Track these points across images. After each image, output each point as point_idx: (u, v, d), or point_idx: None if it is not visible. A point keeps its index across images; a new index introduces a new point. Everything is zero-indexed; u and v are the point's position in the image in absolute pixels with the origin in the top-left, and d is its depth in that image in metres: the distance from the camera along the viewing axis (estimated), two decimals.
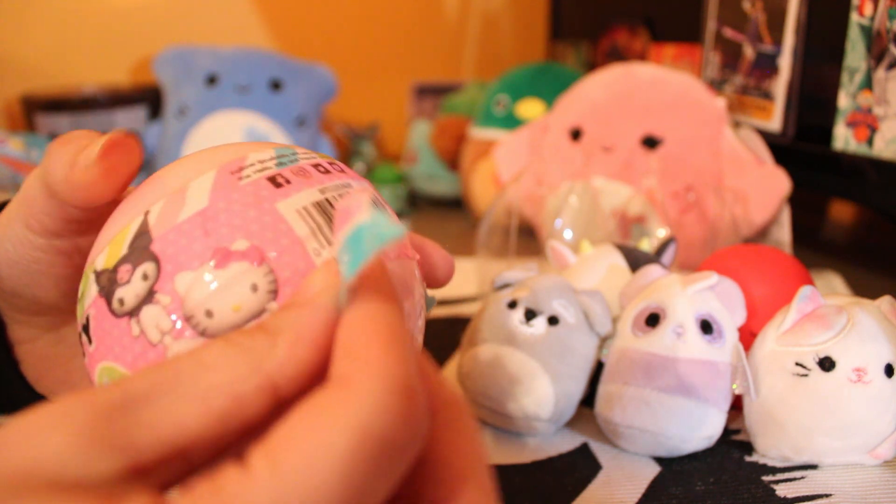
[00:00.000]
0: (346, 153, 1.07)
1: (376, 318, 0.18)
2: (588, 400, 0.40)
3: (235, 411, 0.16)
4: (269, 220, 0.21)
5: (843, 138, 0.56)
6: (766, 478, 0.36)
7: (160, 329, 0.20)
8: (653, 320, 0.38)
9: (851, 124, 0.55)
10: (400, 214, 0.92)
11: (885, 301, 0.37)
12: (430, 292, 0.27)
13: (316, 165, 0.24)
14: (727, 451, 0.38)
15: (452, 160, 0.92)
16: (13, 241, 0.25)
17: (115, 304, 0.21)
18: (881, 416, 0.35)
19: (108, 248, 0.22)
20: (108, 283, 0.21)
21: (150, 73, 0.98)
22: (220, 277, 0.20)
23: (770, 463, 0.37)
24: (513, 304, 0.40)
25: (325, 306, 0.18)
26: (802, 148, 0.62)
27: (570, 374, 0.38)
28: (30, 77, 1.07)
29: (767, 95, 0.66)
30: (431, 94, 1.18)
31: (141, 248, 0.21)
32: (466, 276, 0.65)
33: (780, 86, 0.64)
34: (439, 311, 0.57)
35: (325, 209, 0.22)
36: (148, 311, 0.20)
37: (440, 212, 0.94)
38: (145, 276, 0.21)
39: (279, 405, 0.17)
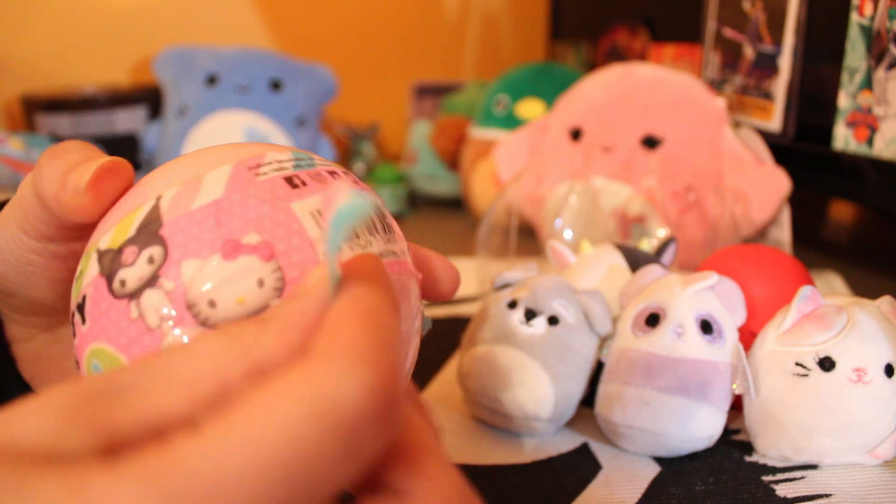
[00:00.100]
0: (346, 153, 1.07)
1: (360, 302, 0.18)
2: (588, 400, 0.40)
3: (222, 398, 0.16)
4: (283, 219, 0.21)
5: (843, 138, 0.56)
6: (766, 478, 0.36)
7: (160, 314, 0.20)
8: (653, 320, 0.38)
9: (851, 124, 0.55)
10: (400, 214, 0.92)
11: (885, 301, 0.37)
12: (428, 311, 0.27)
13: (331, 172, 0.24)
14: (727, 451, 0.38)
15: (452, 160, 0.92)
16: (8, 242, 0.25)
17: (116, 285, 0.21)
18: (881, 416, 0.35)
19: (114, 228, 0.22)
20: (111, 263, 0.21)
21: (150, 73, 0.98)
22: (227, 269, 0.20)
23: (770, 463, 0.37)
24: (513, 304, 0.40)
25: (317, 296, 0.18)
26: (802, 148, 0.62)
27: (570, 374, 0.38)
28: (30, 77, 1.07)
29: (767, 95, 0.66)
30: (431, 94, 1.18)
31: (150, 231, 0.21)
32: (466, 276, 0.65)
33: (780, 86, 0.64)
34: (439, 311, 0.57)
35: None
36: (149, 295, 0.20)
37: (440, 212, 0.94)
38: (151, 260, 0.20)
39: None
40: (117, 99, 0.99)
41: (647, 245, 0.48)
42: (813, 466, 0.36)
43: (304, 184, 0.22)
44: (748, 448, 0.38)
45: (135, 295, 0.20)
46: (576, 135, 0.68)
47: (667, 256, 0.47)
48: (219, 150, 0.23)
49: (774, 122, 0.65)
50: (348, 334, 0.16)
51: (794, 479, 0.36)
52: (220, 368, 0.17)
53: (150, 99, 1.01)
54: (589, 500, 0.34)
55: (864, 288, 0.58)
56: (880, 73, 0.52)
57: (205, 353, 0.17)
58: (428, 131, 0.95)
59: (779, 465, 0.37)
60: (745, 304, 0.38)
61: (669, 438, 0.36)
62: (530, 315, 0.39)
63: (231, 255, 0.20)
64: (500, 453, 0.38)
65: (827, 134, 0.58)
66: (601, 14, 1.02)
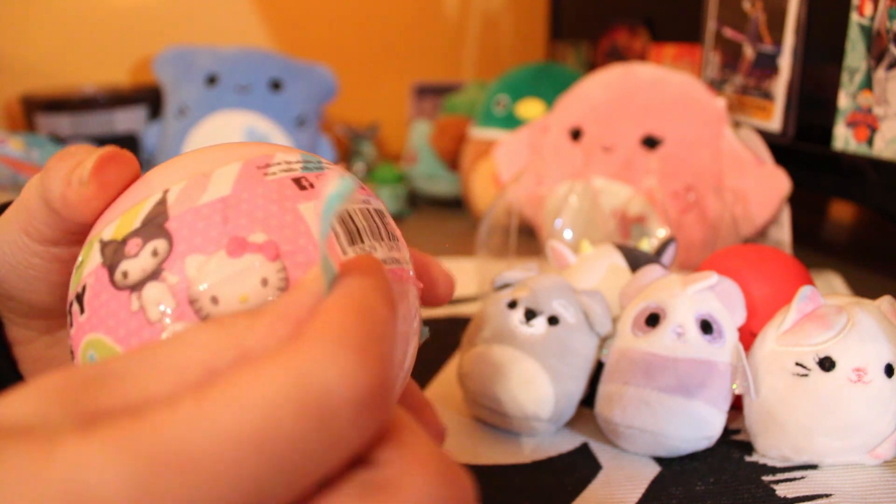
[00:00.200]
0: (346, 153, 1.07)
1: (353, 294, 0.17)
2: (588, 400, 0.40)
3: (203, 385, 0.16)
4: (290, 219, 0.21)
5: (843, 138, 0.56)
6: (766, 478, 0.36)
7: (161, 308, 0.20)
8: (653, 320, 0.38)
9: (851, 124, 0.55)
10: (400, 214, 0.92)
11: (885, 301, 0.37)
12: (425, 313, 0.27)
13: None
14: (727, 451, 0.38)
15: (452, 160, 0.92)
16: (10, 246, 0.24)
17: (118, 276, 0.20)
18: (881, 416, 0.35)
19: (119, 219, 0.21)
20: (114, 254, 0.21)
21: (150, 73, 0.98)
22: (232, 266, 0.20)
23: (770, 463, 0.37)
24: (513, 304, 0.40)
25: (310, 289, 0.18)
26: (802, 148, 0.62)
27: (570, 374, 0.38)
28: (30, 77, 1.07)
29: (767, 95, 0.66)
30: (431, 94, 1.18)
31: (155, 224, 0.21)
32: (466, 276, 0.65)
33: (780, 86, 0.64)
34: (439, 311, 0.57)
35: (345, 220, 0.22)
36: (152, 288, 0.20)
37: (440, 212, 0.94)
38: (155, 253, 0.20)
39: None
40: (117, 99, 0.99)
41: (647, 245, 0.48)
42: (813, 466, 0.36)
43: (311, 186, 0.22)
44: (748, 448, 0.38)
45: (137, 287, 0.20)
46: (576, 135, 0.68)
47: (667, 256, 0.47)
48: (227, 147, 0.23)
49: (774, 122, 0.65)
50: (337, 322, 0.16)
51: (794, 479, 0.36)
52: (209, 356, 0.17)
53: (150, 99, 1.01)
54: (589, 500, 0.34)
55: (864, 288, 0.58)
56: (880, 73, 0.52)
57: (194, 342, 0.17)
58: (428, 131, 0.95)
59: (779, 465, 0.37)
60: (745, 304, 0.38)
61: (669, 438, 0.36)
62: (530, 315, 0.39)
63: (236, 253, 0.20)
64: (500, 453, 0.38)
65: (827, 134, 0.58)
66: (601, 14, 1.02)
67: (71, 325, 0.22)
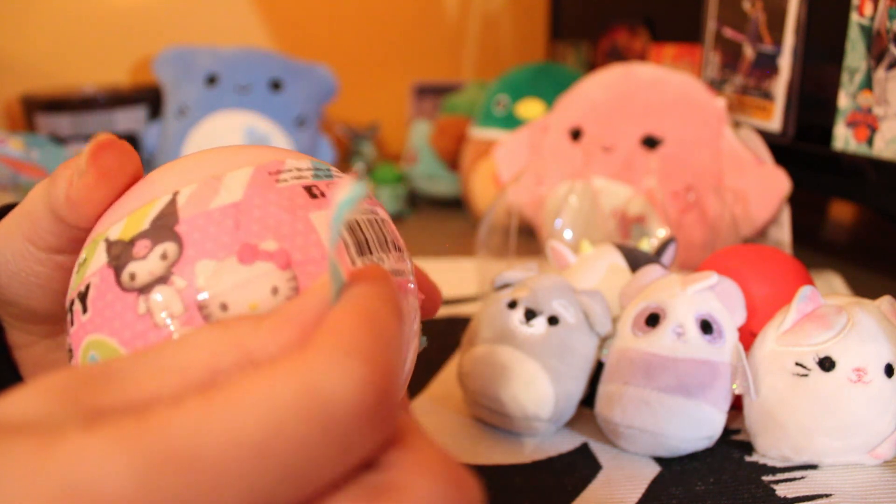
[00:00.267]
0: (346, 153, 1.07)
1: (362, 303, 0.17)
2: (588, 400, 0.40)
3: (211, 385, 0.16)
4: (302, 228, 0.21)
5: (843, 138, 0.56)
6: (766, 478, 0.36)
7: (170, 312, 0.20)
8: (653, 320, 0.38)
9: (851, 124, 0.55)
10: (400, 214, 0.92)
11: (885, 301, 0.37)
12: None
13: None
14: (727, 451, 0.38)
15: (452, 160, 0.92)
16: (13, 254, 0.24)
17: (125, 278, 0.20)
18: (881, 416, 0.35)
19: (126, 219, 0.21)
20: (121, 254, 0.21)
21: (150, 73, 0.98)
22: (243, 273, 0.20)
23: (770, 463, 0.37)
24: (513, 304, 0.40)
25: (317, 295, 0.18)
26: (802, 148, 0.62)
27: (570, 374, 0.38)
28: (30, 77, 1.07)
29: (767, 95, 0.66)
30: (431, 94, 1.18)
31: (165, 226, 0.20)
32: (466, 276, 0.65)
33: (780, 86, 0.64)
34: (439, 311, 0.57)
35: (355, 230, 0.22)
36: (160, 292, 0.20)
37: (440, 212, 0.94)
38: (164, 256, 0.20)
39: None
40: (117, 99, 0.99)
41: (647, 245, 0.48)
42: (813, 466, 0.36)
43: (322, 195, 0.22)
44: (748, 448, 0.38)
45: (144, 290, 0.20)
46: (576, 135, 0.68)
47: (667, 256, 0.47)
48: (237, 150, 0.23)
49: (774, 122, 0.65)
50: (346, 330, 0.16)
51: (794, 479, 0.36)
52: (212, 357, 0.17)
53: (150, 99, 1.01)
54: (589, 500, 0.34)
55: (864, 288, 0.58)
56: (880, 73, 0.52)
57: (197, 343, 0.17)
58: (428, 131, 0.95)
59: (779, 465, 0.37)
60: (745, 304, 0.38)
61: (669, 438, 0.36)
62: (530, 315, 0.39)
63: (248, 260, 0.20)
64: (500, 453, 0.38)
65: (827, 134, 0.58)
66: (601, 14, 1.02)
67: (72, 323, 0.22)
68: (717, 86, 0.73)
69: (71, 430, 0.14)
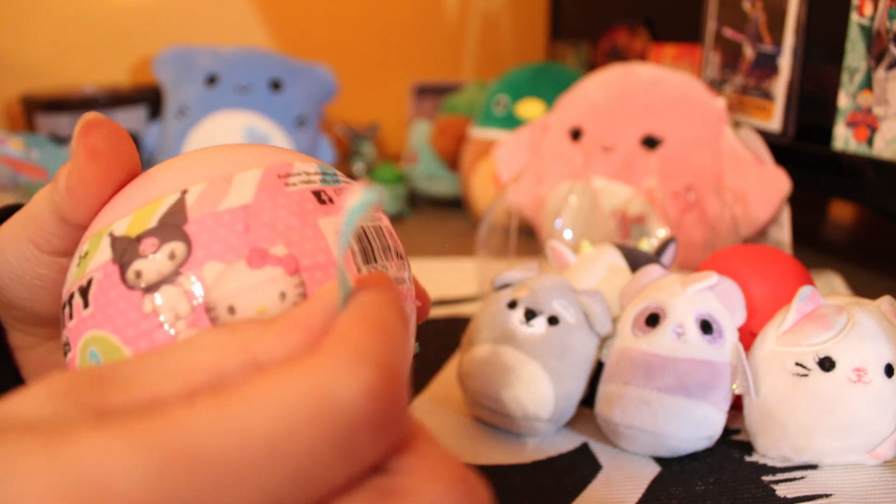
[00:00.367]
0: (346, 153, 1.07)
1: (370, 309, 0.18)
2: (588, 400, 0.40)
3: (218, 387, 0.16)
4: (311, 234, 0.21)
5: (843, 138, 0.56)
6: (766, 478, 0.36)
7: (176, 312, 0.20)
8: (653, 320, 0.38)
9: (851, 124, 0.55)
10: (400, 214, 0.92)
11: (885, 301, 0.37)
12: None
13: None
14: (727, 451, 0.38)
15: (452, 160, 0.92)
16: (17, 257, 0.24)
17: (130, 275, 0.20)
18: (881, 416, 0.35)
19: (132, 215, 0.21)
20: (126, 251, 0.20)
21: (150, 73, 0.98)
22: (252, 277, 0.20)
23: (770, 463, 0.37)
24: (513, 304, 0.40)
25: (324, 301, 0.18)
26: (802, 148, 0.62)
27: (570, 374, 0.38)
28: (30, 77, 1.07)
29: (767, 95, 0.66)
30: (431, 94, 1.18)
31: (173, 225, 0.20)
32: (466, 276, 0.65)
33: (780, 86, 0.64)
34: (439, 312, 0.57)
35: (361, 238, 0.22)
36: (167, 292, 0.20)
37: (440, 212, 0.94)
38: (172, 255, 0.20)
39: None
40: (117, 99, 0.99)
41: (647, 245, 0.48)
42: (813, 466, 0.36)
43: (330, 200, 0.22)
44: (748, 448, 0.38)
45: (150, 288, 0.20)
46: (576, 135, 0.68)
47: (667, 256, 0.47)
48: (245, 150, 0.23)
49: (774, 122, 0.65)
50: (356, 336, 0.16)
51: (794, 479, 0.36)
52: (218, 360, 0.17)
53: (150, 99, 1.01)
54: (589, 500, 0.34)
55: (864, 288, 0.58)
56: (880, 73, 0.52)
57: (203, 345, 0.17)
58: (428, 131, 0.95)
59: (779, 465, 0.37)
60: (745, 304, 0.38)
61: (669, 438, 0.36)
62: (530, 315, 0.39)
63: (257, 264, 0.20)
64: (500, 453, 0.38)
65: (827, 134, 0.58)
66: (601, 14, 1.02)
67: (70, 317, 0.22)
68: (717, 86, 0.73)
69: (80, 428, 0.14)
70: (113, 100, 0.98)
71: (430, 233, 0.85)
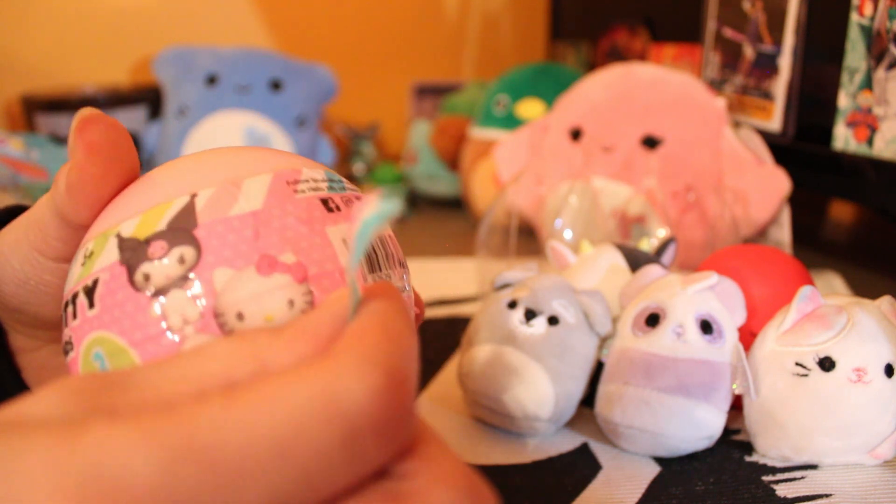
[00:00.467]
0: (346, 153, 1.07)
1: (379, 316, 0.18)
2: (588, 400, 0.40)
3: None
4: (319, 242, 0.21)
5: (843, 138, 0.56)
6: (766, 478, 0.36)
7: (185, 318, 0.20)
8: (653, 320, 0.38)
9: (851, 124, 0.55)
10: (400, 214, 0.92)
11: (885, 301, 0.37)
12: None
13: (358, 198, 0.24)
14: (727, 451, 0.38)
15: (452, 160, 0.92)
16: (21, 263, 0.24)
17: (139, 278, 0.20)
18: (881, 416, 0.35)
19: (140, 217, 0.21)
20: (135, 253, 0.20)
21: (150, 73, 0.98)
22: (261, 284, 0.20)
23: (770, 463, 0.37)
24: (513, 304, 0.40)
25: (333, 309, 0.18)
26: (802, 148, 0.62)
27: (570, 374, 0.38)
28: (30, 77, 1.07)
29: (767, 95, 0.66)
30: (431, 94, 1.18)
31: (183, 229, 0.20)
32: (466, 276, 0.65)
33: (780, 86, 0.64)
34: (439, 312, 0.57)
35: (367, 247, 0.22)
36: (176, 296, 0.20)
37: (440, 212, 0.94)
38: (182, 260, 0.20)
39: None
40: (117, 99, 0.99)
41: (647, 245, 0.48)
42: (813, 466, 0.36)
43: (338, 208, 0.22)
44: (748, 448, 0.38)
45: (159, 292, 0.20)
46: (576, 135, 0.68)
47: (667, 256, 0.47)
48: (252, 154, 0.23)
49: (774, 122, 0.65)
50: (366, 341, 0.17)
51: (794, 479, 0.36)
52: (228, 368, 0.17)
53: (150, 99, 1.01)
54: (589, 500, 0.34)
55: (864, 288, 0.58)
56: (880, 73, 0.52)
57: (214, 353, 0.17)
58: (428, 131, 0.95)
59: (779, 465, 0.37)
60: (745, 304, 0.38)
61: (669, 438, 0.36)
62: (530, 315, 0.39)
63: (266, 271, 0.20)
64: (500, 453, 0.38)
65: (827, 134, 0.58)
66: (601, 14, 1.02)
67: (74, 316, 0.21)
68: (717, 86, 0.73)
69: (93, 422, 0.14)
70: (113, 100, 0.98)
71: (430, 233, 0.85)
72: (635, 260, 0.45)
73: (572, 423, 0.41)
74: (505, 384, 0.38)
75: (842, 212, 0.91)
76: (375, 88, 1.22)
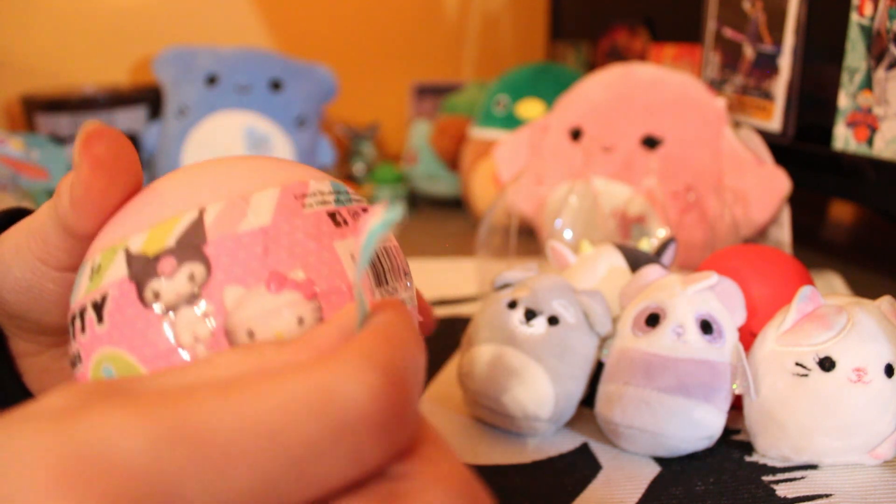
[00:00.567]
0: (346, 153, 1.07)
1: (384, 325, 0.18)
2: (588, 400, 0.40)
3: None
4: (328, 258, 0.21)
5: (843, 138, 0.56)
6: (766, 478, 0.36)
7: (195, 335, 0.20)
8: (653, 320, 0.38)
9: (851, 124, 0.55)
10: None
11: (885, 301, 0.37)
12: None
13: (365, 210, 0.24)
14: (727, 451, 0.38)
15: (452, 160, 0.92)
16: (24, 271, 0.24)
17: (148, 295, 0.20)
18: (881, 416, 0.35)
19: (148, 232, 0.21)
20: (144, 269, 0.20)
21: (150, 73, 0.98)
22: (271, 301, 0.20)
23: (770, 463, 0.37)
24: (513, 304, 0.40)
25: (340, 322, 0.18)
26: (802, 148, 0.62)
27: (570, 374, 0.38)
28: (30, 77, 1.07)
29: (767, 95, 0.66)
30: (431, 94, 1.18)
31: (192, 246, 0.20)
32: (466, 276, 0.65)
33: (780, 86, 0.64)
34: (439, 312, 0.57)
35: (373, 259, 0.22)
36: (186, 314, 0.20)
37: (440, 212, 0.94)
38: (192, 277, 0.20)
39: None
40: (117, 99, 0.99)
41: (647, 245, 0.48)
42: (813, 466, 0.36)
43: (345, 222, 0.22)
44: (748, 448, 0.38)
45: (169, 309, 0.20)
46: (576, 135, 0.68)
47: (667, 256, 0.47)
48: (260, 164, 0.23)
49: (774, 122, 0.65)
50: (366, 344, 0.17)
51: (794, 479, 0.36)
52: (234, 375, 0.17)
53: (150, 99, 1.01)
54: (589, 500, 0.34)
55: (864, 288, 0.58)
56: (880, 73, 0.52)
57: (221, 363, 0.17)
58: (428, 131, 0.95)
59: (779, 465, 0.37)
60: (745, 304, 0.38)
61: (669, 438, 0.36)
62: (530, 315, 0.39)
63: (276, 289, 0.20)
64: (500, 453, 0.38)
65: (827, 134, 0.58)
66: (601, 14, 1.02)
67: (82, 330, 0.21)
68: (717, 86, 0.73)
69: (90, 407, 0.14)
70: (113, 100, 0.98)
71: (430, 233, 0.85)
72: (635, 260, 0.45)
73: (572, 423, 0.41)
74: (505, 384, 0.38)
75: (842, 212, 0.91)
76: (375, 88, 1.22)
